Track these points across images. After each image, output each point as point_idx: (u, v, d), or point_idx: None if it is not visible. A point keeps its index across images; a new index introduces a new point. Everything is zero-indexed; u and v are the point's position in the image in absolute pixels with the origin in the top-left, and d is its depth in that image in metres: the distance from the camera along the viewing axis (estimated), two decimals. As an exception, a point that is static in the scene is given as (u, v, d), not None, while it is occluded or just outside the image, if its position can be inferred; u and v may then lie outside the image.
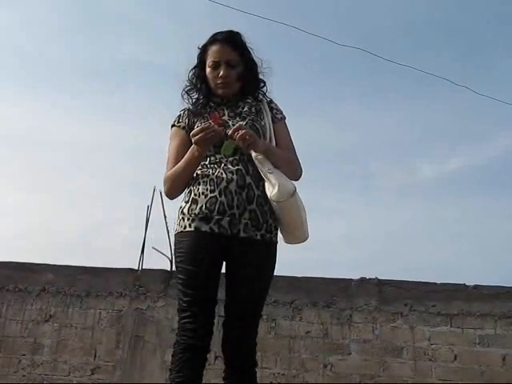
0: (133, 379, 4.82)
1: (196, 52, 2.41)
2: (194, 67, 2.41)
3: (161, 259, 5.07)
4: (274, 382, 4.70)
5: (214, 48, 2.34)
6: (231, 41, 2.34)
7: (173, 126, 2.39)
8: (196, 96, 2.43)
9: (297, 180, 2.29)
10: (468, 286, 4.97)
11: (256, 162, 2.18)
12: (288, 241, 2.29)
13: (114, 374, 4.85)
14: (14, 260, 5.33)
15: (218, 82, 2.33)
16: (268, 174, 2.15)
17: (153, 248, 5.21)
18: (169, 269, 5.07)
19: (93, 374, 4.86)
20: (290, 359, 4.80)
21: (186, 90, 2.43)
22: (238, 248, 2.14)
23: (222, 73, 2.31)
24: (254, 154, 2.18)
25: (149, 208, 5.63)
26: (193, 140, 2.13)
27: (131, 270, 5.23)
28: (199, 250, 2.12)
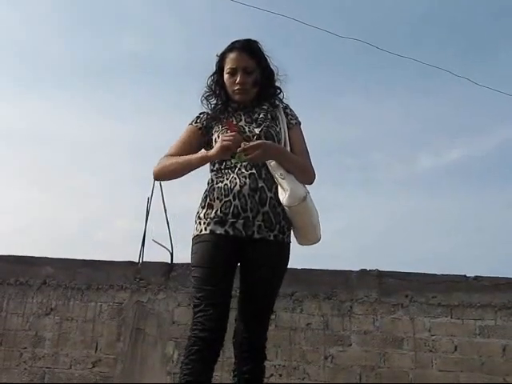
0: (134, 372, 4.83)
1: (215, 60, 2.51)
2: (213, 74, 2.51)
3: (161, 252, 5.07)
4: (275, 373, 4.72)
5: (231, 55, 2.43)
6: (248, 49, 2.43)
7: (189, 124, 2.48)
8: (214, 101, 2.52)
9: (310, 184, 2.37)
10: (468, 277, 4.97)
11: (269, 167, 2.28)
12: (301, 242, 2.39)
13: (115, 366, 4.86)
14: (14, 254, 5.34)
15: (235, 88, 2.41)
16: (280, 180, 2.25)
17: (153, 241, 5.21)
18: (169, 261, 5.07)
19: (94, 366, 4.88)
20: (291, 351, 4.81)
21: (205, 95, 2.52)
22: (252, 249, 2.22)
23: (239, 79, 2.39)
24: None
25: (149, 200, 5.62)
26: (220, 142, 2.19)
27: (132, 262, 5.23)
28: (215, 250, 2.20)
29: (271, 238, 2.23)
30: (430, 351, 4.75)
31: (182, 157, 2.33)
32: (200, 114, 2.50)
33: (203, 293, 2.16)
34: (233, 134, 2.19)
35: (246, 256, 2.24)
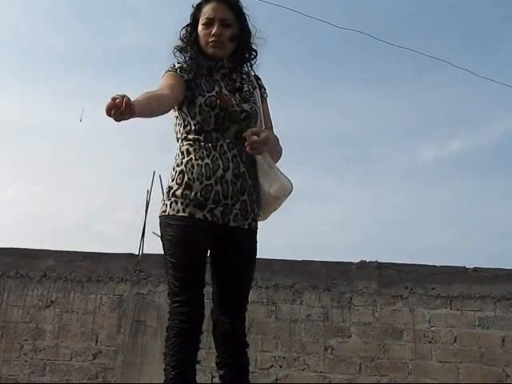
0: (134, 363, 4.85)
1: (190, 11, 2.29)
2: (187, 25, 2.29)
3: (161, 244, 5.07)
4: (275, 364, 4.73)
5: (209, 5, 2.24)
6: (228, 0, 2.25)
7: (170, 71, 2.20)
8: (188, 56, 2.28)
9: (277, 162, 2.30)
10: (468, 269, 4.98)
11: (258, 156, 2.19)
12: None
13: (116, 358, 4.88)
14: (14, 246, 5.35)
15: (210, 40, 2.21)
16: (269, 169, 2.18)
17: (153, 233, 5.21)
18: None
19: (95, 358, 4.89)
20: (291, 342, 4.82)
21: (177, 47, 2.29)
22: (226, 237, 2.16)
23: (215, 30, 2.20)
24: None
25: (148, 192, 5.63)
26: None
27: (132, 255, 5.24)
28: (192, 235, 2.11)
29: (245, 226, 2.17)
30: (430, 342, 4.76)
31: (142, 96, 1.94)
32: (179, 63, 2.22)
33: (181, 281, 2.10)
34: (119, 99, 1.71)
35: (219, 243, 2.18)
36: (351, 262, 5.10)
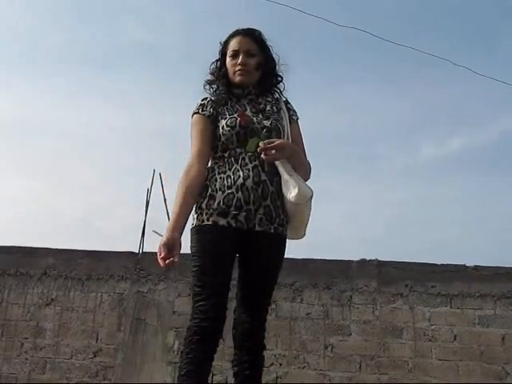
0: (134, 362, 4.85)
1: (218, 47, 2.52)
2: (216, 60, 2.51)
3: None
4: (275, 362, 4.74)
5: (234, 40, 2.46)
6: (251, 34, 2.47)
7: (196, 113, 2.42)
8: (216, 87, 2.51)
9: (306, 181, 2.40)
10: (468, 267, 4.98)
11: (277, 162, 2.29)
12: (289, 237, 2.41)
13: (116, 356, 4.88)
14: (15, 244, 5.35)
15: (237, 69, 2.41)
16: (287, 176, 2.27)
17: (153, 231, 5.22)
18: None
19: (95, 356, 4.90)
20: (291, 340, 4.83)
21: (207, 81, 2.51)
22: (252, 241, 2.25)
23: (240, 60, 2.40)
24: None
25: (148, 191, 5.63)
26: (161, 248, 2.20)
27: (132, 253, 5.24)
28: (217, 241, 2.20)
29: (271, 230, 2.26)
30: (430, 340, 4.77)
31: (177, 201, 2.24)
32: (202, 100, 2.45)
33: (204, 282, 2.17)
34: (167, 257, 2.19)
35: (246, 248, 2.26)
36: (351, 260, 5.10)
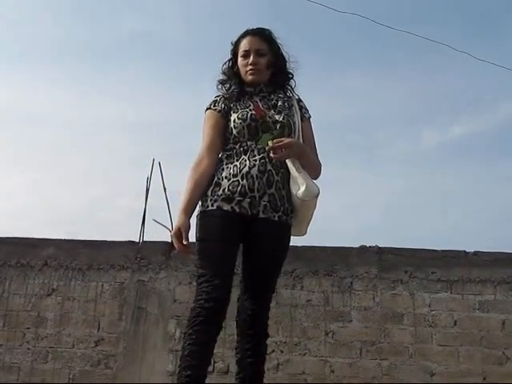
0: (136, 350, 4.87)
1: (230, 47, 2.59)
2: (228, 60, 2.58)
3: (161, 231, 5.08)
4: (276, 349, 4.76)
5: (244, 40, 2.52)
6: (261, 33, 2.53)
7: (208, 109, 2.50)
8: (228, 86, 2.57)
9: (315, 179, 2.45)
10: (468, 253, 4.99)
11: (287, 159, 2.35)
12: (292, 233, 2.44)
13: (118, 345, 4.90)
14: (15, 235, 5.35)
15: (248, 68, 2.47)
16: (297, 173, 2.32)
17: (153, 220, 5.22)
18: (170, 240, 5.07)
19: (97, 345, 4.92)
20: (292, 327, 4.85)
21: (220, 81, 2.58)
22: (256, 227, 2.28)
23: (251, 59, 2.46)
24: None
25: (148, 180, 5.62)
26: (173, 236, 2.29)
27: (132, 242, 5.24)
28: (221, 225, 2.24)
29: (275, 218, 2.29)
30: (430, 326, 4.79)
31: (186, 192, 2.32)
32: (215, 97, 2.53)
33: (208, 264, 2.21)
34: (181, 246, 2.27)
35: (250, 234, 2.28)
36: (351, 247, 5.11)
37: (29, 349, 4.94)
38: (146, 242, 5.27)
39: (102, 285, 5.08)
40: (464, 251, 4.99)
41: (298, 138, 2.44)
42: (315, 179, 2.42)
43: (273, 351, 4.71)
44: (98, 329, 4.96)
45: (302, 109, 2.56)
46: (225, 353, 4.45)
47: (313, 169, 2.42)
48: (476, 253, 4.97)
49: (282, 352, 4.78)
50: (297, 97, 2.60)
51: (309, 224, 2.45)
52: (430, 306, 4.84)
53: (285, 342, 4.80)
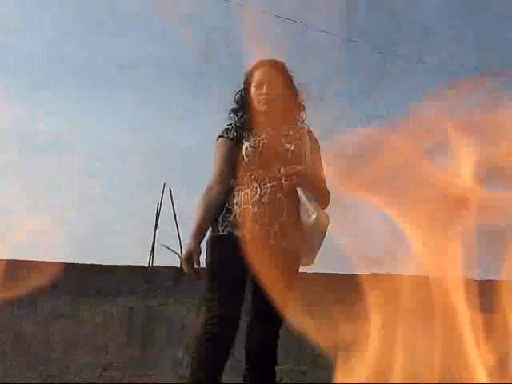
0: (144, 376, 4.84)
1: (243, 78, 2.70)
2: (240, 90, 2.68)
3: (171, 257, 5.08)
4: (285, 377, 4.72)
5: (258, 71, 2.62)
6: (275, 65, 2.64)
7: (220, 136, 2.57)
8: (240, 114, 2.66)
9: (324, 208, 2.48)
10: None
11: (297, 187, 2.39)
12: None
13: (126, 371, 4.87)
14: (23, 259, 5.35)
15: (262, 97, 2.55)
16: (308, 202, 2.34)
17: (163, 245, 5.23)
18: (179, 266, 5.07)
19: (104, 371, 4.88)
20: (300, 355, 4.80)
21: (232, 109, 2.67)
22: (266, 254, 2.28)
23: (265, 89, 2.55)
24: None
25: (158, 205, 5.63)
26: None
27: (141, 267, 5.24)
28: (231, 251, 2.26)
29: (285, 246, 2.32)
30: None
31: (196, 221, 2.37)
32: (227, 125, 2.59)
33: (218, 289, 2.24)
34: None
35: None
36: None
37: (36, 374, 4.91)
38: (155, 267, 5.27)
39: (110, 310, 5.06)
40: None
41: (308, 165, 2.48)
42: (324, 208, 2.45)
43: (281, 379, 4.65)
44: (106, 354, 4.93)
45: (312, 139, 2.61)
46: (233, 380, 4.41)
47: (322, 198, 2.45)
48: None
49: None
50: (307, 128, 2.65)
51: (316, 254, 2.45)
52: None
53: (293, 370, 4.75)
